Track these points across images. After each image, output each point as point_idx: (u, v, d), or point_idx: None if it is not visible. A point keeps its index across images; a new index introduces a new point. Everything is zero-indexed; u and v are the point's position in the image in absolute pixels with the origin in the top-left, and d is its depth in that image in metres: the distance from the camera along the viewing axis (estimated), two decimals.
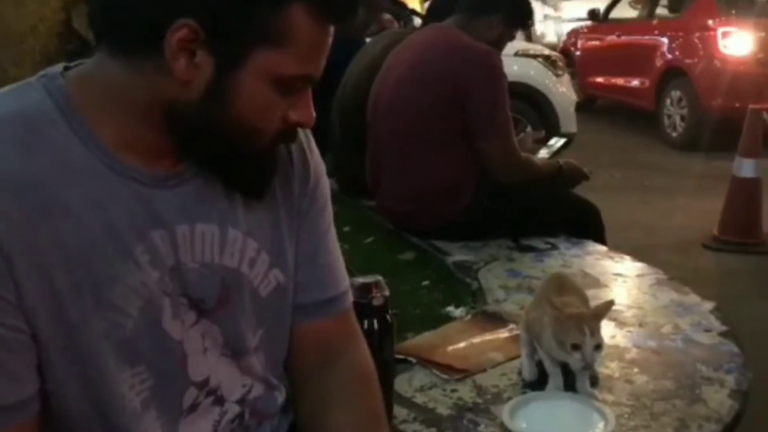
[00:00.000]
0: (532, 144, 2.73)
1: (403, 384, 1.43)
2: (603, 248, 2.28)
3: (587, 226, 2.39)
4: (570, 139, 3.14)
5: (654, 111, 7.02)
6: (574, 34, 9.14)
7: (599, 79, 8.16)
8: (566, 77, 5.62)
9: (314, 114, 0.85)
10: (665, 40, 7.02)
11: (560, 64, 5.58)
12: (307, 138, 0.96)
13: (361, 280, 1.19)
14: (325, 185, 0.99)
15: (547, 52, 5.72)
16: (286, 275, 0.92)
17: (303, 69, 0.80)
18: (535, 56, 5.50)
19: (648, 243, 3.73)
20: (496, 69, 2.22)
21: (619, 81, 7.74)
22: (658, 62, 6.99)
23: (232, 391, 0.90)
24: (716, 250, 3.98)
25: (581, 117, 7.71)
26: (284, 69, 0.79)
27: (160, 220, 0.81)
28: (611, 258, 2.17)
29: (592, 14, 8.54)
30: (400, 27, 3.13)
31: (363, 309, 1.16)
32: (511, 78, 2.40)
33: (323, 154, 3.37)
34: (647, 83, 7.12)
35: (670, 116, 6.78)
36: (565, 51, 8.93)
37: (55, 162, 0.76)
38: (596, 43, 8.47)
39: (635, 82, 7.39)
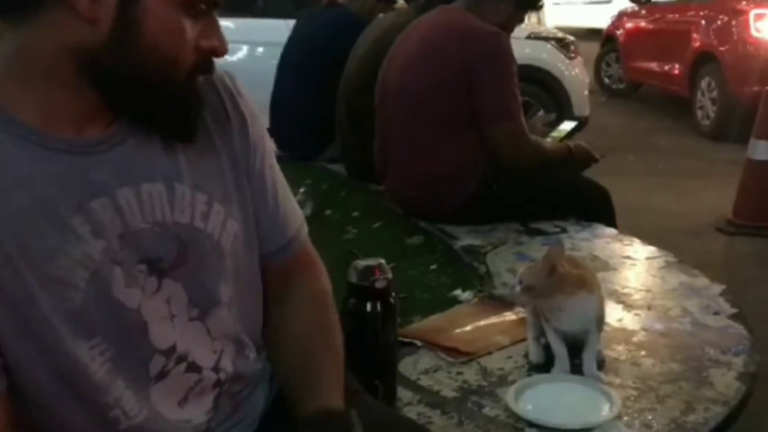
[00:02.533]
0: (543, 127, 2.71)
1: (408, 367, 1.43)
2: (613, 231, 2.26)
3: (598, 210, 2.37)
4: (581, 122, 3.12)
5: (688, 98, 6.73)
6: (620, 17, 8.78)
7: (640, 65, 7.85)
8: (579, 60, 5.57)
9: (226, 41, 0.85)
10: (699, 23, 6.69)
11: (573, 47, 5.52)
12: (234, 83, 0.96)
13: (364, 263, 1.19)
14: (260, 126, 0.98)
15: (560, 35, 5.67)
16: (241, 223, 0.92)
17: None
18: (547, 39, 5.46)
19: (661, 227, 3.71)
20: (504, 51, 2.20)
21: (658, 66, 7.43)
22: (691, 47, 6.68)
23: (204, 358, 0.89)
24: (730, 234, 3.95)
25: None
26: None
27: (99, 188, 0.81)
28: (620, 241, 2.16)
29: None
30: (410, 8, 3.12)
31: (366, 292, 1.17)
32: (523, 61, 2.39)
33: (331, 140, 3.36)
34: (681, 69, 6.85)
35: (702, 104, 6.45)
36: (611, 35, 8.69)
37: None
38: (638, 26, 8.15)
39: (670, 68, 7.12)
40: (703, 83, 6.44)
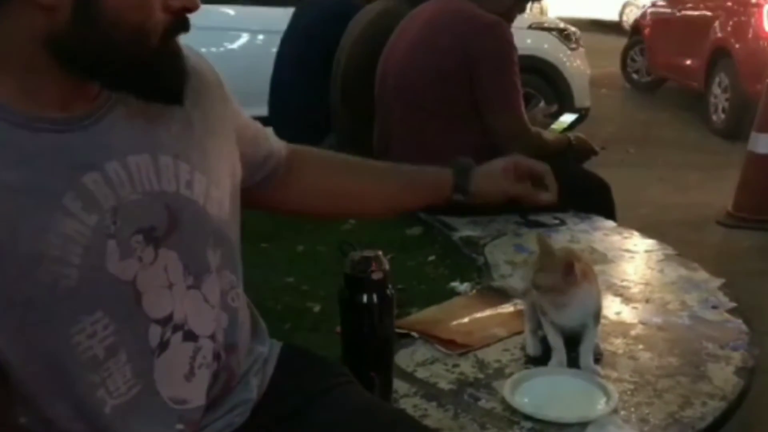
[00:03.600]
0: (544, 119, 2.70)
1: (404, 358, 1.42)
2: (612, 224, 2.25)
3: (597, 202, 2.36)
4: (582, 114, 3.10)
5: (704, 94, 6.47)
6: (647, 9, 8.47)
7: (663, 58, 7.59)
8: (581, 51, 5.54)
9: None
10: (716, 17, 6.43)
11: (574, 37, 5.50)
12: (207, 61, 0.99)
13: (360, 254, 1.18)
14: (227, 89, 1.02)
15: (562, 25, 5.65)
16: (222, 191, 0.94)
17: None
18: (549, 29, 5.43)
19: (661, 219, 3.70)
20: (505, 41, 2.18)
21: (678, 60, 7.17)
22: (708, 41, 6.41)
23: (201, 326, 0.90)
24: (730, 227, 3.94)
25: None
26: None
27: (88, 163, 0.81)
28: (620, 234, 2.15)
29: None
30: None
31: (362, 283, 1.16)
32: (524, 51, 2.37)
33: (326, 132, 3.34)
34: (698, 64, 6.57)
35: (716, 100, 6.19)
36: (638, 28, 8.40)
37: None
38: (662, 18, 7.85)
39: (689, 62, 6.85)
40: (718, 79, 6.21)
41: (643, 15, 8.43)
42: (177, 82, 0.86)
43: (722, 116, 6.07)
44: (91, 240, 0.80)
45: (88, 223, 0.80)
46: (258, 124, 1.12)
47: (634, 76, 8.44)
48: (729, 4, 6.39)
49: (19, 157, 0.78)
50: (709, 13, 6.62)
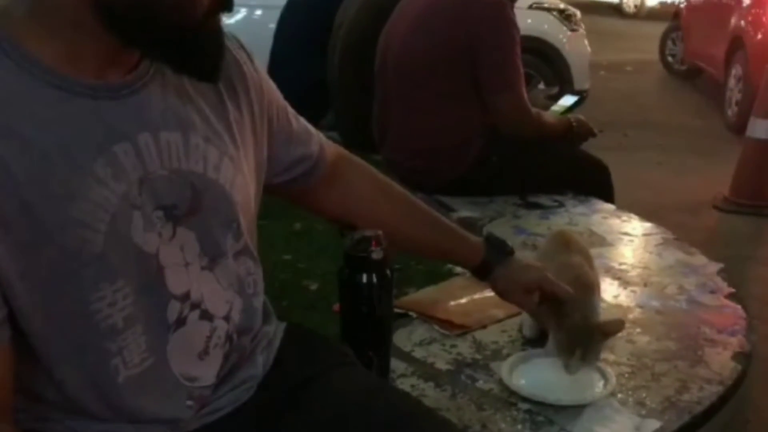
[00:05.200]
0: (544, 100, 2.68)
1: (402, 338, 1.42)
2: (610, 207, 2.25)
3: (596, 185, 2.35)
4: (582, 96, 3.08)
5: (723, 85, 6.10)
6: None
7: (695, 46, 7.23)
8: (581, 32, 5.51)
9: None
10: (739, 4, 6.11)
11: (575, 18, 5.46)
12: (247, 52, 1.00)
13: (360, 233, 1.17)
14: (269, 80, 1.05)
15: (562, 6, 5.60)
16: (248, 180, 0.95)
17: None
18: (549, 10, 5.39)
19: (658, 203, 3.70)
20: (507, 21, 2.16)
21: (706, 49, 6.80)
22: (728, 30, 6.09)
23: (216, 307, 0.90)
24: (727, 212, 3.95)
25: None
26: None
27: (120, 132, 0.81)
28: (618, 217, 2.15)
29: None
30: None
31: (361, 262, 1.15)
32: (524, 32, 2.34)
33: (325, 110, 3.33)
34: (720, 53, 6.24)
35: (731, 93, 5.84)
36: (678, 13, 8.03)
37: None
38: (696, 5, 7.47)
39: (714, 52, 6.47)
40: (734, 70, 5.89)
41: (686, 0, 7.94)
42: (215, 59, 0.86)
43: (735, 109, 5.72)
44: (117, 208, 0.80)
45: (117, 191, 0.80)
46: (302, 124, 1.11)
47: (672, 62, 8.08)
48: None
49: (53, 119, 0.78)
50: (732, 2, 6.36)
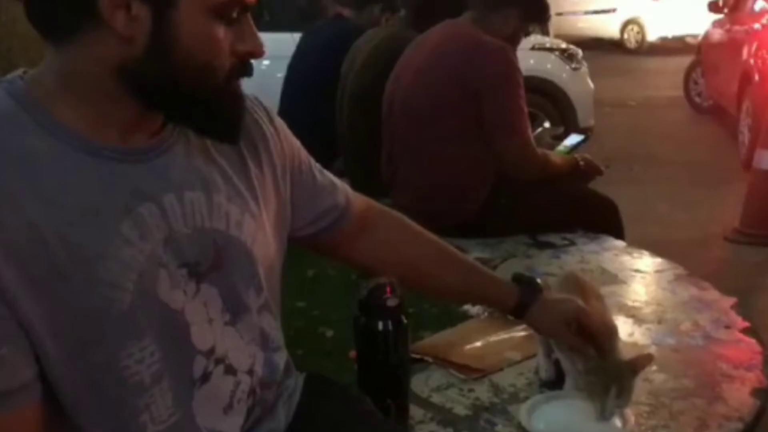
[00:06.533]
0: (550, 140, 2.71)
1: (419, 384, 1.42)
2: (621, 244, 2.25)
3: (605, 222, 2.37)
4: (587, 136, 3.11)
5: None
6: (710, 29, 7.65)
7: (714, 82, 7.05)
8: (584, 70, 5.57)
9: (262, 42, 0.88)
10: (750, 38, 5.94)
11: (577, 57, 5.53)
12: (263, 104, 1.03)
13: (374, 280, 1.18)
14: (291, 136, 1.08)
15: (564, 45, 5.68)
16: (270, 236, 0.97)
17: None
18: (551, 50, 5.47)
19: (669, 237, 3.70)
20: (510, 66, 2.21)
21: (723, 85, 6.58)
22: (739, 65, 5.94)
23: (240, 361, 0.92)
24: (738, 243, 3.94)
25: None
26: None
27: (145, 194, 0.84)
28: (629, 254, 2.15)
29: (712, 6, 7.22)
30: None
31: (377, 310, 1.16)
32: (527, 72, 2.39)
33: (334, 157, 3.36)
34: (732, 89, 6.05)
35: (743, 129, 5.63)
36: (700, 49, 7.81)
37: (23, 155, 0.79)
38: (715, 39, 7.25)
39: (727, 88, 6.28)
40: (746, 106, 5.68)
41: (706, 35, 7.73)
42: (236, 121, 0.89)
43: (746, 143, 5.43)
44: (144, 267, 0.82)
45: (144, 251, 0.82)
46: (327, 176, 1.15)
47: (696, 99, 7.81)
48: (757, 26, 6.00)
49: (81, 183, 0.81)
50: (743, 37, 6.24)
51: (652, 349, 1.55)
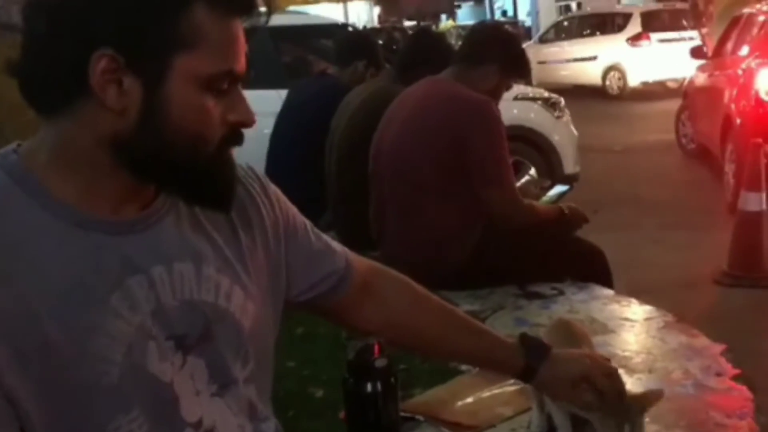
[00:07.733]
0: (536, 191, 2.74)
1: None
2: (610, 292, 2.26)
3: (593, 271, 2.38)
4: (572, 185, 3.15)
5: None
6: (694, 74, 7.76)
7: (699, 125, 7.10)
8: (566, 118, 5.66)
9: (252, 111, 0.88)
10: (731, 82, 6.02)
11: (560, 105, 5.63)
12: (256, 172, 1.02)
13: (362, 341, 1.18)
14: (286, 202, 1.06)
15: (546, 94, 5.79)
16: (260, 306, 0.96)
17: (221, 65, 0.84)
18: (534, 99, 5.56)
19: (657, 281, 3.71)
20: (493, 119, 2.24)
21: (706, 128, 6.60)
22: (721, 108, 5.98)
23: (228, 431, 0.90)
24: (727, 286, 3.96)
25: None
26: (204, 68, 0.82)
27: (135, 266, 0.84)
28: (618, 302, 2.15)
29: (695, 52, 7.41)
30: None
31: (365, 372, 1.16)
32: (511, 121, 2.44)
33: (322, 211, 3.37)
34: (716, 132, 6.07)
35: (728, 171, 5.55)
36: (686, 93, 7.86)
37: (14, 230, 0.79)
38: (698, 83, 7.39)
39: (711, 131, 6.30)
40: (729, 148, 5.66)
41: (691, 79, 7.85)
42: (227, 190, 0.90)
43: (731, 186, 5.38)
44: (133, 339, 0.82)
45: (132, 323, 0.82)
46: (324, 241, 1.11)
47: (684, 142, 7.83)
48: (737, 72, 6.06)
49: (72, 255, 0.81)
50: (725, 81, 6.28)
51: None
